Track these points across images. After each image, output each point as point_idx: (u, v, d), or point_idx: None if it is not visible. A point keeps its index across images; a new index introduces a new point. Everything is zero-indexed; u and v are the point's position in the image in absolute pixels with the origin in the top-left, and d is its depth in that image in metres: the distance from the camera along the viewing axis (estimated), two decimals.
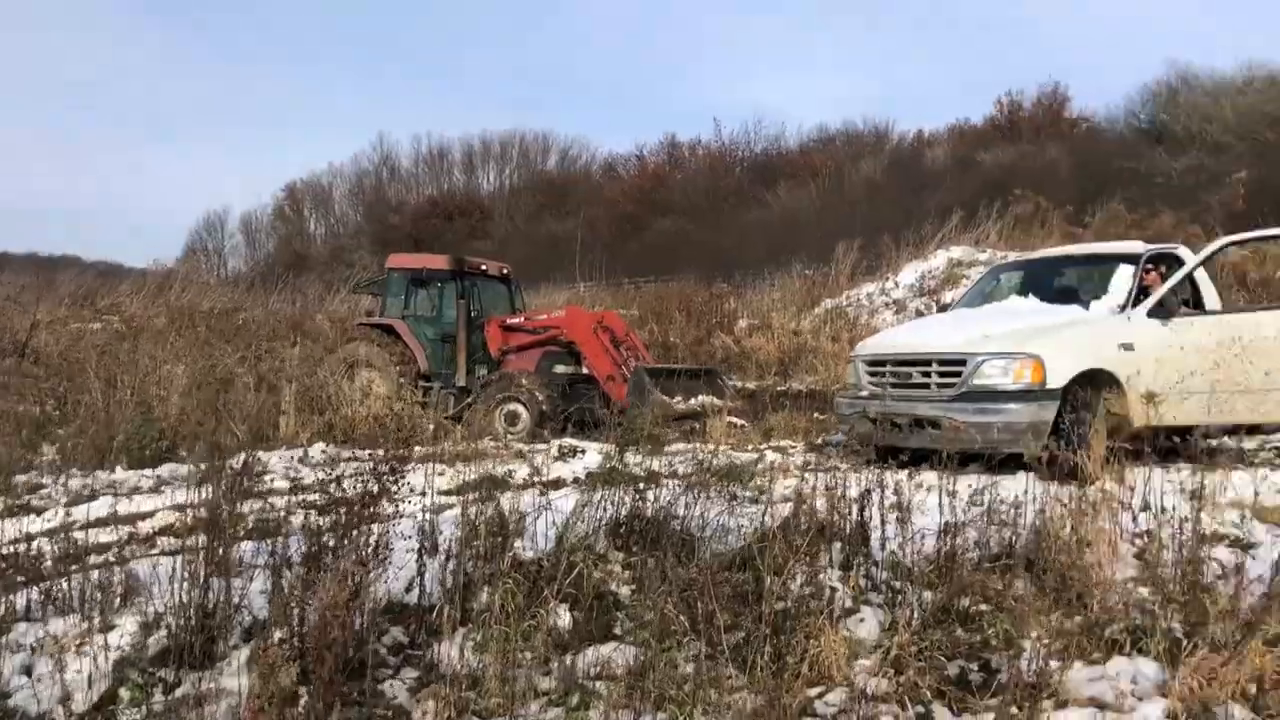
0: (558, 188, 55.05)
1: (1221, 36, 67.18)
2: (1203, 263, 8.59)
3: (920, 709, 3.57)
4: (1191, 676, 3.60)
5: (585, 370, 12.20)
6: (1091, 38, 72.35)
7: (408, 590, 4.50)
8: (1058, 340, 7.81)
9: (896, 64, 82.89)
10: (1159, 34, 72.76)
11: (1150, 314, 8.13)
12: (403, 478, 4.36)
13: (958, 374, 7.81)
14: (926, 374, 8.10)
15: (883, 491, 5.05)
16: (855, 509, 5.05)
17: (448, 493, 6.64)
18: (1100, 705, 3.63)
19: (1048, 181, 27.24)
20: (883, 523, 4.97)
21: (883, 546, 4.90)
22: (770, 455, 8.64)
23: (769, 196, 41.11)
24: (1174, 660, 3.77)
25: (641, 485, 5.09)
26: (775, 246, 28.31)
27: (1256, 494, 5.68)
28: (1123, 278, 8.51)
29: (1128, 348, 7.89)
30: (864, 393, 8.54)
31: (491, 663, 3.78)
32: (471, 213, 54.85)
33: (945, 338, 8.32)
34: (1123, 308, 8.24)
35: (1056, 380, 7.53)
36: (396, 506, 4.45)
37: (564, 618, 4.19)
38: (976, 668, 3.94)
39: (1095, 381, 7.71)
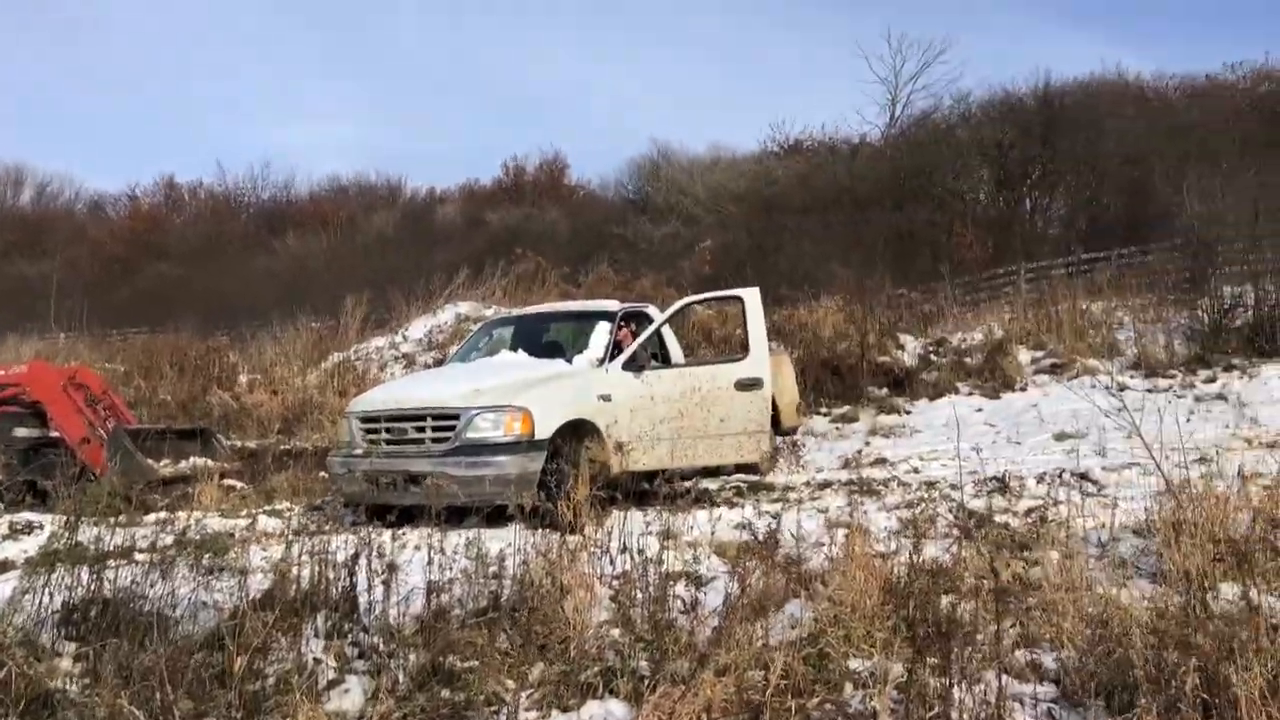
0: (32, 226, 49.11)
1: (695, 121, 75.75)
2: (667, 320, 9.53)
3: None
4: (653, 713, 3.85)
5: (53, 433, 10.83)
6: (588, 113, 78.37)
7: None
8: (544, 393, 8.11)
9: (412, 121, 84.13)
10: (645, 115, 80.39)
11: (624, 367, 8.74)
12: None
13: (451, 428, 7.86)
14: (421, 429, 8.05)
15: (370, 554, 4.94)
16: (345, 574, 4.91)
17: None
18: None
19: (548, 242, 28.93)
20: (369, 586, 4.85)
21: (370, 610, 4.78)
22: (264, 520, 8.19)
23: (277, 244, 39.66)
24: (639, 698, 4.00)
25: (100, 564, 4.56)
26: (283, 296, 27.29)
27: (714, 531, 6.27)
28: (601, 333, 9.10)
29: (606, 399, 8.43)
30: (358, 450, 8.34)
31: None
32: None
33: (439, 392, 8.35)
34: (601, 361, 8.80)
35: (544, 431, 7.82)
36: None
37: None
38: None
39: (579, 431, 8.12)
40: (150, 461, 9.96)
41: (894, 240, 25.77)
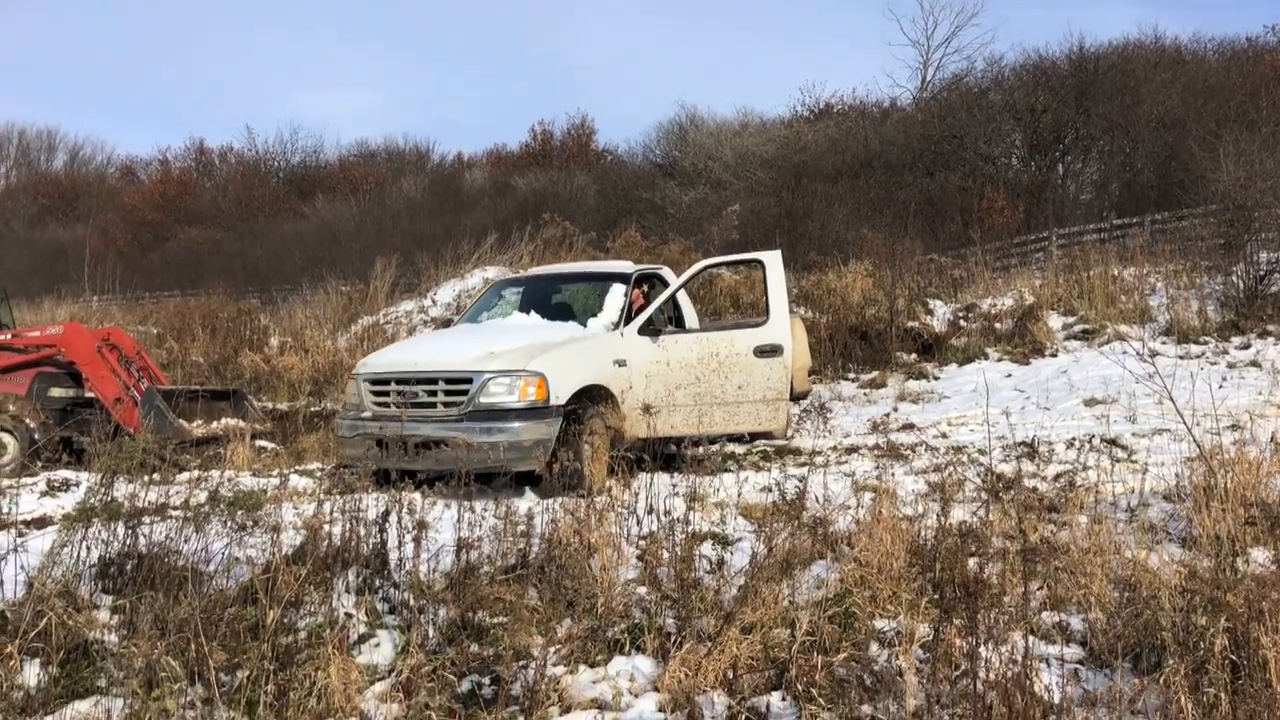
0: (66, 190, 49.52)
1: (724, 85, 75.18)
2: (684, 284, 9.31)
3: None
4: (679, 669, 3.89)
5: (88, 393, 11.00)
6: (615, 77, 77.86)
7: None
8: (559, 357, 7.94)
9: (440, 87, 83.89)
10: (674, 79, 79.83)
11: (640, 331, 8.57)
12: None
13: (464, 392, 7.68)
14: (432, 392, 7.86)
15: (400, 512, 4.99)
16: (375, 531, 4.97)
17: None
18: (601, 706, 3.80)
19: (575, 207, 28.92)
20: (400, 543, 4.91)
21: (400, 567, 4.83)
22: (296, 479, 8.28)
23: (306, 209, 39.78)
24: (666, 655, 4.05)
25: (135, 520, 4.63)
26: (312, 260, 27.44)
27: (740, 493, 6.30)
28: (615, 296, 8.89)
29: (621, 364, 8.30)
30: (366, 413, 8.16)
31: None
32: None
33: (451, 355, 8.12)
34: (616, 325, 8.62)
35: (559, 396, 7.68)
36: None
37: (31, 674, 3.68)
38: (488, 681, 3.98)
39: (594, 397, 8.00)
40: (183, 422, 10.09)
41: (924, 205, 25.52)
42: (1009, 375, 13.00)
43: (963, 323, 15.32)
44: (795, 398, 11.08)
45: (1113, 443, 8.30)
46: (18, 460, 10.27)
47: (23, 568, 4.40)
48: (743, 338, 8.90)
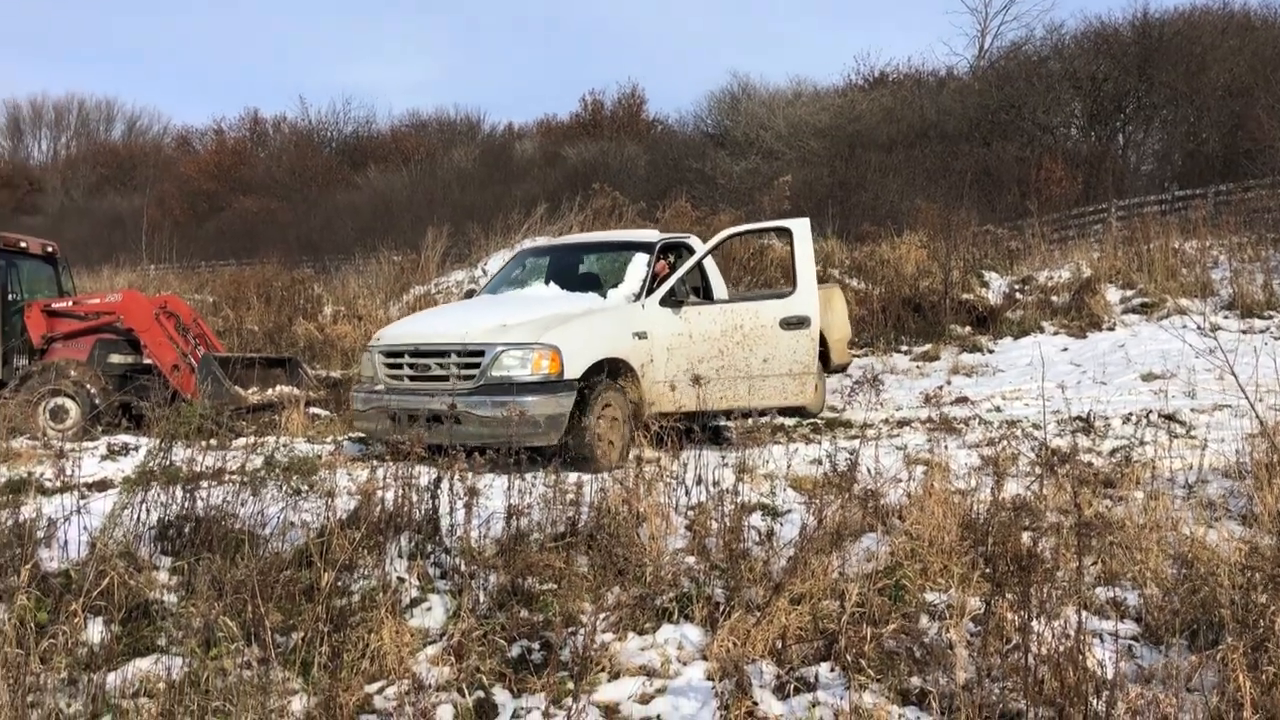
0: (123, 160, 50.36)
1: (777, 54, 74.38)
2: (709, 253, 9.00)
3: (480, 694, 3.58)
4: (728, 638, 3.89)
5: (146, 360, 11.20)
6: (666, 46, 77.36)
7: None
8: (575, 330, 7.70)
9: (492, 57, 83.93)
10: (726, 48, 79.12)
11: (662, 303, 8.28)
12: None
13: (477, 365, 7.51)
14: (445, 365, 7.70)
15: (452, 479, 5.03)
16: (427, 497, 5.02)
17: None
18: (649, 673, 3.82)
19: (625, 177, 28.84)
20: (451, 509, 4.96)
21: (451, 532, 4.88)
22: (349, 446, 8.39)
23: (359, 179, 40.09)
24: (714, 624, 4.06)
25: (193, 484, 4.72)
26: (365, 230, 27.68)
27: (789, 465, 6.27)
28: (638, 266, 8.60)
29: (642, 336, 8.02)
30: (380, 386, 8.05)
31: (1, 690, 3.33)
32: (18, 184, 48.82)
33: (465, 327, 7.90)
34: (637, 296, 8.31)
35: (574, 370, 7.45)
36: None
37: (95, 632, 3.78)
38: (538, 647, 4.01)
39: (611, 370, 7.79)
40: (239, 388, 10.24)
41: (980, 176, 25.14)
42: (1065, 349, 12.83)
43: (1018, 295, 15.12)
44: (834, 370, 10.93)
45: (1171, 418, 8.16)
46: (79, 425, 10.50)
47: (85, 529, 4.51)
48: (768, 309, 8.59)
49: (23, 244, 12.06)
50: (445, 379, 7.63)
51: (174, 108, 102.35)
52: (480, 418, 7.09)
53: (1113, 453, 7.13)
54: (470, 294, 10.22)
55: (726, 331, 8.37)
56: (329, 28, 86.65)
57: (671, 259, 8.98)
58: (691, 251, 8.98)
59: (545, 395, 7.27)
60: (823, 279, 14.88)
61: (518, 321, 7.73)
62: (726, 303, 8.93)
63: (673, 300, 8.33)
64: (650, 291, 8.34)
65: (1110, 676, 3.24)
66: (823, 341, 9.96)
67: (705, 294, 9.17)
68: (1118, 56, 29.10)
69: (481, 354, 7.49)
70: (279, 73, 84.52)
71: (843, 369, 11.26)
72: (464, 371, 7.56)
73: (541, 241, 10.89)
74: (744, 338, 8.40)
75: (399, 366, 7.95)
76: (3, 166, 51.59)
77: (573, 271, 9.25)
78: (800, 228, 8.82)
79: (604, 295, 8.40)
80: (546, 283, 8.94)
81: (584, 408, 7.42)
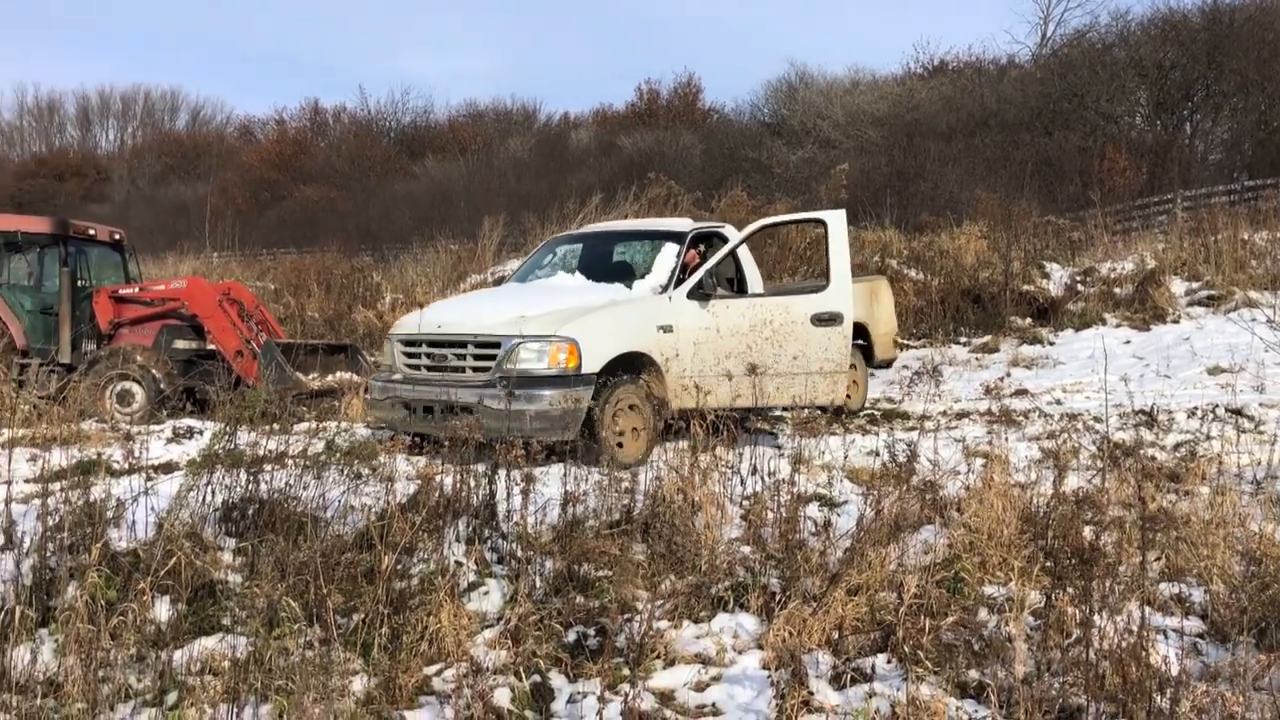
0: (187, 149, 51.29)
1: (834, 42, 73.78)
2: (742, 243, 8.65)
3: (537, 678, 3.61)
4: (784, 628, 3.88)
5: (210, 345, 11.42)
6: (722, 35, 77.07)
7: None
8: (594, 322, 7.44)
9: (548, 47, 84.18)
10: (782, 36, 78.56)
11: (690, 295, 7.95)
12: None
13: (493, 357, 7.30)
14: (462, 356, 7.51)
15: (508, 465, 5.07)
16: (485, 483, 5.06)
17: (34, 480, 5.97)
18: (705, 661, 3.83)
19: (681, 166, 28.76)
20: (508, 495, 4.99)
21: (508, 518, 4.92)
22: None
23: (417, 168, 40.44)
24: (770, 613, 4.05)
25: (256, 467, 4.81)
26: (422, 219, 27.93)
27: (846, 456, 6.24)
28: (667, 257, 8.31)
29: (667, 330, 7.73)
30: (397, 375, 7.92)
31: (73, 664, 3.42)
32: (86, 173, 49.94)
33: (482, 318, 7.70)
34: (665, 288, 8.01)
35: (592, 364, 7.23)
36: None
37: (162, 610, 3.87)
38: (593, 633, 4.04)
39: (634, 364, 7.55)
40: (300, 374, 10.39)
41: (1042, 165, 24.71)
42: (1128, 342, 12.60)
43: (1080, 287, 14.87)
44: (879, 365, 10.68)
45: (1238, 413, 7.99)
46: (145, 409, 10.73)
47: (153, 509, 4.61)
48: (799, 304, 8.20)
49: (91, 231, 12.33)
50: (461, 370, 7.47)
51: (237, 98, 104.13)
52: (495, 411, 6.82)
53: (1177, 447, 7.00)
54: (500, 280, 10.02)
55: (755, 326, 8.04)
56: (389, 18, 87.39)
57: (703, 249, 8.72)
58: (726, 241, 8.70)
59: (562, 389, 7.06)
60: (874, 270, 14.77)
61: (537, 313, 7.48)
62: (756, 296, 8.58)
63: (700, 293, 7.99)
64: (679, 283, 8.04)
65: (1174, 674, 3.19)
66: (866, 336, 9.79)
67: (739, 286, 8.87)
68: (1186, 44, 28.41)
69: (498, 345, 7.30)
70: (339, 63, 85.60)
71: (888, 365, 11.02)
72: (480, 363, 7.38)
73: (581, 229, 10.42)
74: (774, 333, 8.07)
75: (416, 356, 7.81)
76: (72, 156, 52.77)
77: (603, 260, 9.00)
78: (835, 220, 8.42)
79: (630, 286, 8.15)
80: (573, 272, 8.69)
81: (601, 402, 7.22)
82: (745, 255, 8.88)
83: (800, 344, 8.06)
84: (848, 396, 9.01)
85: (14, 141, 56.66)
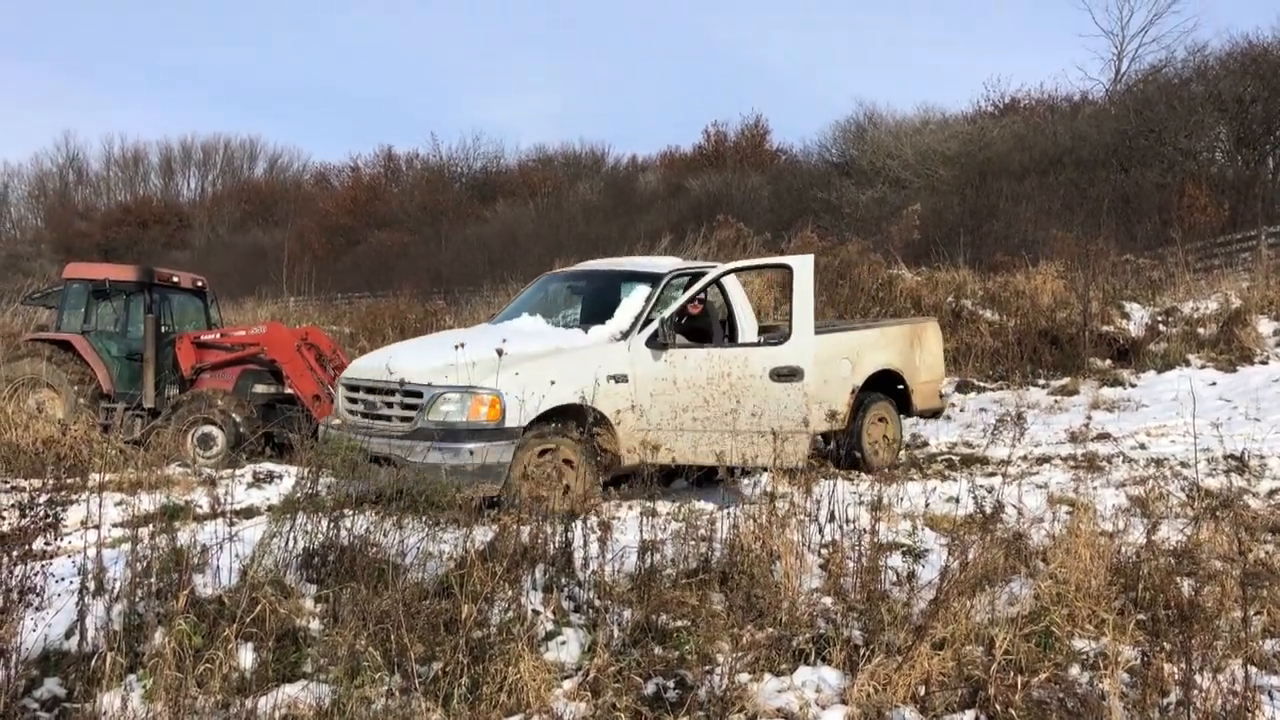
0: (265, 196, 52.63)
1: (903, 81, 73.53)
2: (703, 290, 8.12)
3: None
4: (868, 682, 3.80)
5: (288, 390, 11.62)
6: (789, 76, 77.34)
7: (67, 636, 4.06)
8: (527, 373, 7.04)
9: (615, 91, 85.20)
10: (850, 76, 78.60)
11: (647, 344, 7.56)
12: (65, 509, 3.95)
13: (416, 406, 7.04)
14: (390, 405, 7.26)
15: (585, 513, 5.06)
16: (561, 530, 5.05)
17: (122, 525, 6.09)
18: (787, 716, 3.76)
19: (749, 208, 28.76)
20: (585, 543, 4.98)
21: (585, 566, 4.90)
22: None
23: (488, 213, 40.98)
24: (853, 667, 3.96)
25: (337, 512, 4.85)
26: (494, 262, 28.23)
27: (927, 504, 6.12)
28: (635, 300, 7.89)
29: (620, 379, 7.36)
30: (335, 420, 7.74)
31: (161, 711, 3.47)
32: (169, 221, 51.46)
33: (410, 365, 7.37)
34: (625, 335, 7.61)
35: (517, 418, 6.88)
36: (54, 542, 4.01)
37: (246, 657, 3.91)
38: (673, 684, 3.99)
39: (580, 416, 7.03)
40: None
41: (1119, 203, 24.26)
42: (1213, 383, 12.25)
43: (1161, 327, 14.50)
44: (925, 414, 9.83)
45: None
46: (225, 452, 10.94)
47: (236, 556, 4.67)
48: (758, 357, 7.71)
49: (175, 279, 12.68)
50: (389, 419, 7.24)
51: (313, 146, 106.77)
52: (412, 464, 6.53)
53: (1271, 494, 6.76)
54: (492, 318, 9.68)
55: (712, 379, 7.58)
56: (460, 65, 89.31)
57: (704, 297, 8.23)
58: (713, 282, 8.18)
59: (483, 443, 6.76)
60: (948, 312, 14.54)
61: (467, 360, 6.97)
62: (716, 348, 7.99)
63: (656, 342, 7.55)
64: (641, 329, 7.61)
65: None
66: (903, 383, 9.19)
67: (731, 330, 8.44)
68: (1267, 77, 27.80)
69: (420, 395, 7.04)
70: (413, 110, 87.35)
71: (936, 414, 10.22)
72: (405, 412, 7.13)
73: (574, 267, 9.87)
74: (730, 387, 7.58)
75: (355, 401, 7.62)
76: (155, 204, 54.41)
77: (591, 299, 8.60)
78: (801, 266, 7.91)
79: (586, 331, 7.78)
80: (535, 314, 8.38)
81: (525, 458, 6.87)
82: (739, 298, 8.48)
83: (758, 400, 7.58)
84: (876, 454, 8.65)
85: (100, 191, 58.68)
